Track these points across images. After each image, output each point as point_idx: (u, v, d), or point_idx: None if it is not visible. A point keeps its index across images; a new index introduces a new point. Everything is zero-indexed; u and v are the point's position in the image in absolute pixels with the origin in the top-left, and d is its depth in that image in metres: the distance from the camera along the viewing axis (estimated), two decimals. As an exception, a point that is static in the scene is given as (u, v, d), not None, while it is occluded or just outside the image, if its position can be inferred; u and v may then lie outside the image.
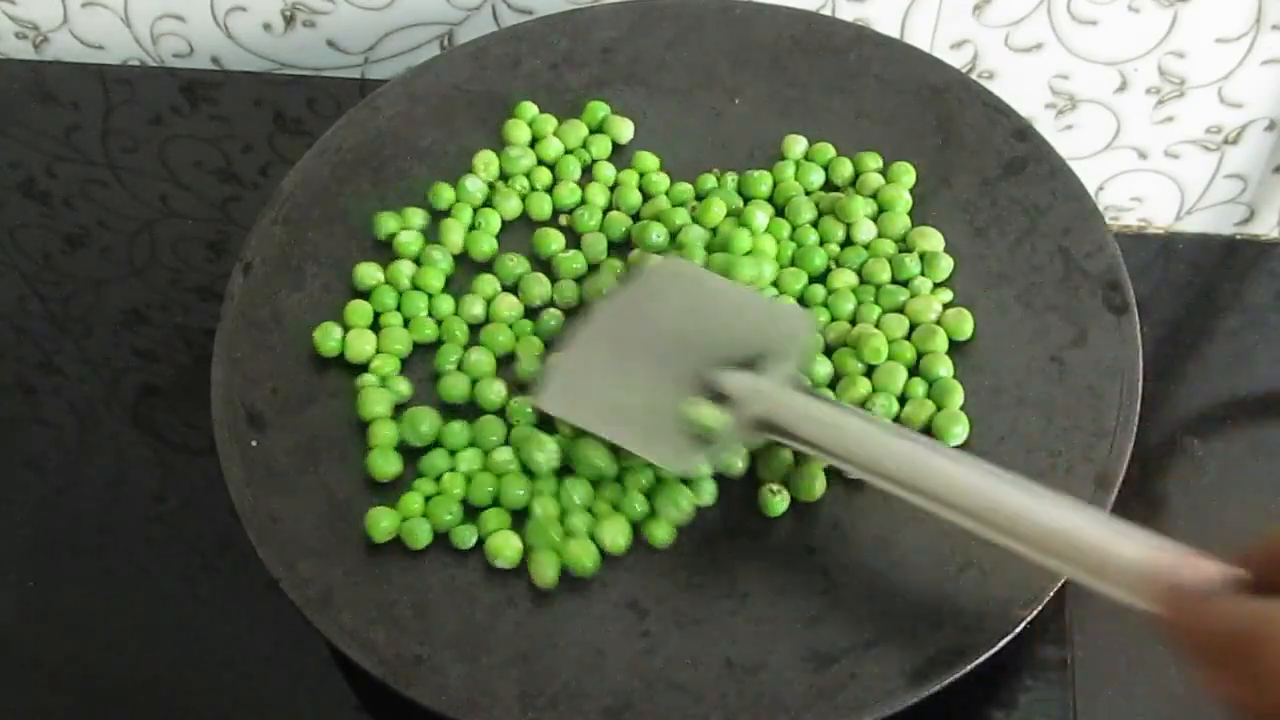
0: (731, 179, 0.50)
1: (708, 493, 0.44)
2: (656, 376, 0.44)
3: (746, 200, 0.50)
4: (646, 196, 0.51)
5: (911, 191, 0.49)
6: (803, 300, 0.47)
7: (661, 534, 0.43)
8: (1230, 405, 0.51)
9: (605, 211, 0.51)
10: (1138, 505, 0.48)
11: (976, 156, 0.50)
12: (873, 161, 0.50)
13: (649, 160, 0.51)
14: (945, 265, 0.47)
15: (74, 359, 0.55)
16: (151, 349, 0.55)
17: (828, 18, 0.55)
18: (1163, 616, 0.32)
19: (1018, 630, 0.39)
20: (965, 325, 0.46)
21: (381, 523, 0.43)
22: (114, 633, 0.48)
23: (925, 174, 0.50)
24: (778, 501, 0.43)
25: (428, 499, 0.44)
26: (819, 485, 0.43)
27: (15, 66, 0.65)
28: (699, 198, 0.50)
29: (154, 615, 0.48)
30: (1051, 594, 0.40)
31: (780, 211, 0.49)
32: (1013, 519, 0.36)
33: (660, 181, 0.51)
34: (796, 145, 0.51)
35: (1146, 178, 0.60)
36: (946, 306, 0.47)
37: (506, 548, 0.42)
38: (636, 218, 0.50)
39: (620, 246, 0.50)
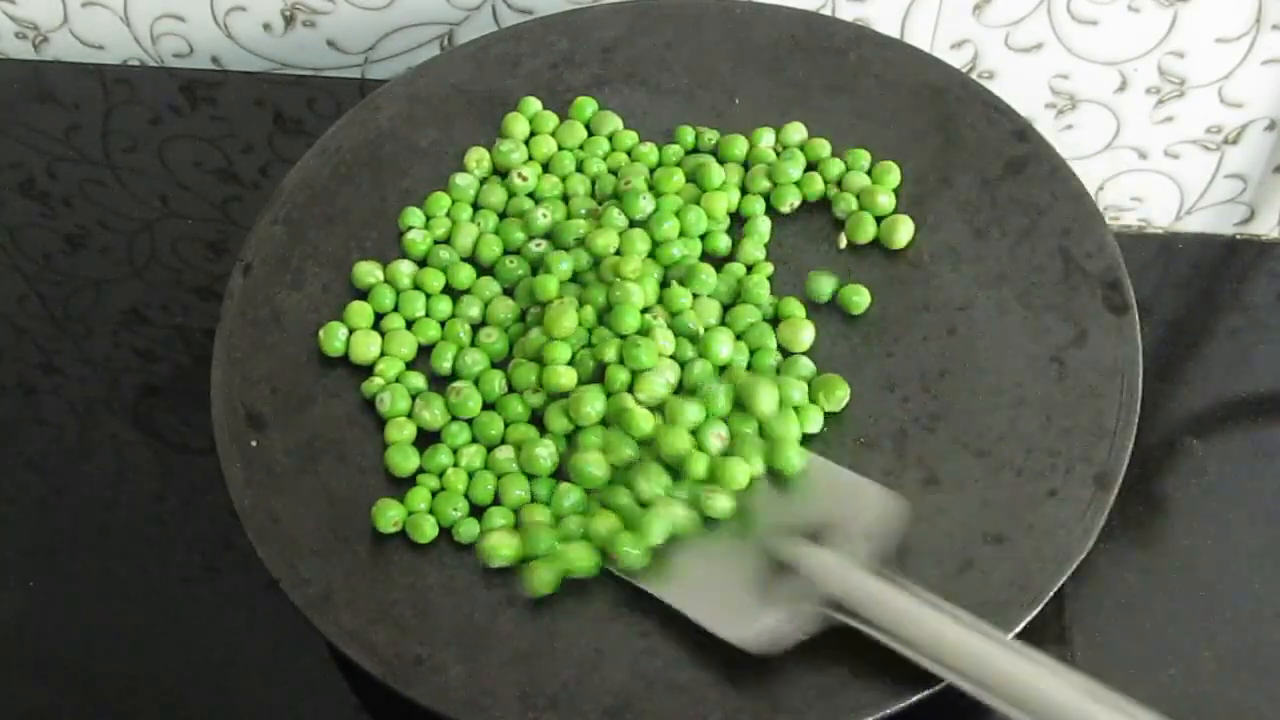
0: (711, 135, 0.51)
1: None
2: (723, 545, 0.41)
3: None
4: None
5: (907, 191, 0.49)
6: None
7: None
8: (1230, 405, 0.51)
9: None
10: (1138, 505, 0.48)
11: (976, 156, 0.50)
12: (863, 160, 0.50)
13: (629, 136, 0.52)
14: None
15: (74, 359, 0.55)
16: (151, 349, 0.55)
17: (828, 18, 0.55)
18: None
19: (1018, 630, 0.39)
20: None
21: (389, 512, 0.43)
22: (114, 633, 0.48)
23: (925, 174, 0.50)
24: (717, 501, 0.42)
25: (433, 494, 0.44)
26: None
27: (15, 66, 0.65)
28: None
29: (154, 615, 0.48)
30: (1051, 594, 0.40)
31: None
32: None
33: (649, 153, 0.51)
34: (795, 134, 0.51)
35: (1146, 178, 0.60)
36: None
37: (503, 546, 0.42)
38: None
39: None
